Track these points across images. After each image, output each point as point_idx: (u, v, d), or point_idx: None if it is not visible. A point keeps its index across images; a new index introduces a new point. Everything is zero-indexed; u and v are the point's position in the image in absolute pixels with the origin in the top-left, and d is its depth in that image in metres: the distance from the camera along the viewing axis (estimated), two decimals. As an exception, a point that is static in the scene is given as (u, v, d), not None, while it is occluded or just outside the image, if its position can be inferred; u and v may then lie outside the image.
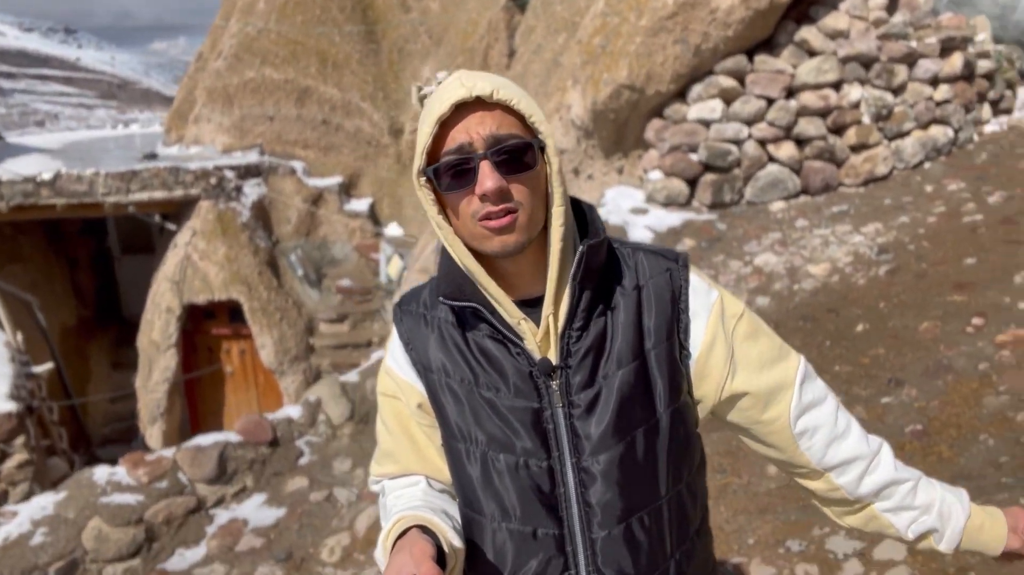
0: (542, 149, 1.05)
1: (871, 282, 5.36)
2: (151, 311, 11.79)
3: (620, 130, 7.14)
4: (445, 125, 1.03)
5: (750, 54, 6.83)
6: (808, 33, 6.78)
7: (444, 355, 1.15)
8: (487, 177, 1.00)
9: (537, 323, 1.09)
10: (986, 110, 7.57)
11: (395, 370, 1.21)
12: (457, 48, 13.65)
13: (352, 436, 4.70)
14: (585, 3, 7.97)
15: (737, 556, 3.27)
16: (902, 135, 7.00)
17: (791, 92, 6.74)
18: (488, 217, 1.01)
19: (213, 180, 11.96)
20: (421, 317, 1.19)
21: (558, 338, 1.07)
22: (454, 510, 1.18)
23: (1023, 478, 3.10)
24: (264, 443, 4.46)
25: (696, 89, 6.80)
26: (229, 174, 12.19)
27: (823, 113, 6.74)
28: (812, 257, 5.81)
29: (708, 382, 1.13)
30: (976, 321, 4.45)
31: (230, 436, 4.40)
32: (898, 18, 7.06)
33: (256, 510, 4.19)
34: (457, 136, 1.02)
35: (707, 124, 6.74)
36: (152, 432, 11.43)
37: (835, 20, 6.83)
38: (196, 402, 12.36)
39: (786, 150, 6.70)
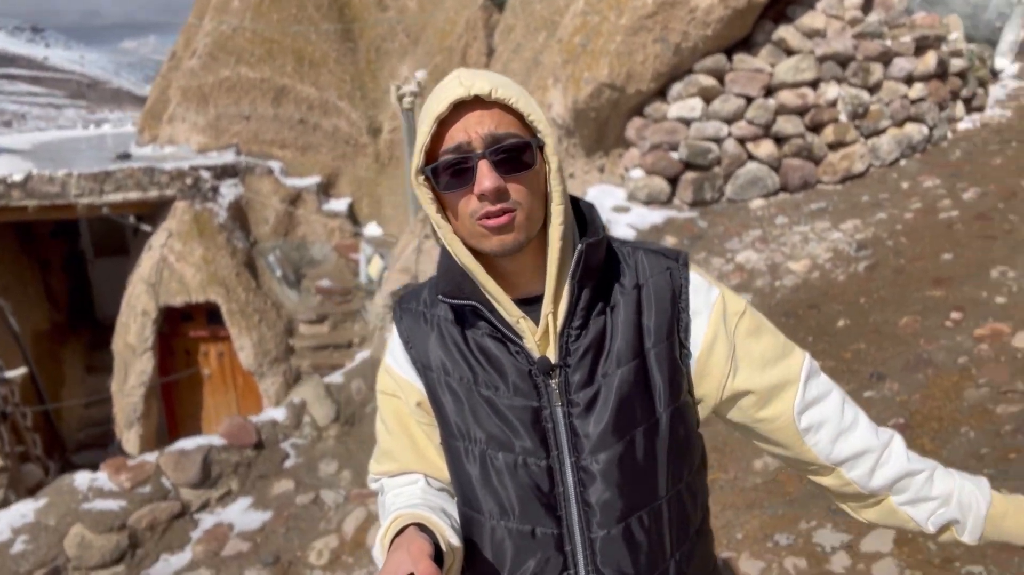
0: (541, 148, 1.04)
1: (851, 278, 5.44)
2: (126, 314, 11.61)
3: (601, 129, 7.16)
4: (444, 124, 1.03)
5: (729, 53, 6.88)
6: (786, 32, 6.85)
7: (443, 353, 1.14)
8: (485, 177, 0.99)
9: (536, 322, 1.08)
10: (959, 108, 7.71)
11: (394, 368, 1.21)
12: (435, 47, 13.61)
13: (338, 438, 4.67)
14: (565, 2, 7.98)
15: (726, 551, 3.30)
16: (878, 133, 7.11)
17: (769, 91, 6.81)
18: (486, 216, 1.01)
19: (189, 180, 11.81)
20: (421, 315, 1.19)
21: (557, 337, 1.07)
22: (453, 509, 1.18)
23: (1004, 470, 3.16)
24: (249, 446, 4.41)
25: (676, 88, 6.84)
26: (205, 174, 12.04)
27: (801, 111, 6.82)
28: (792, 254, 5.88)
29: (709, 381, 1.13)
30: (954, 315, 4.53)
31: (214, 439, 4.35)
32: (873, 17, 7.16)
33: (242, 514, 4.15)
34: (455, 135, 1.02)
35: (687, 123, 6.78)
36: (129, 437, 11.25)
37: (812, 19, 6.91)
38: (173, 406, 12.20)
39: (765, 148, 6.77)
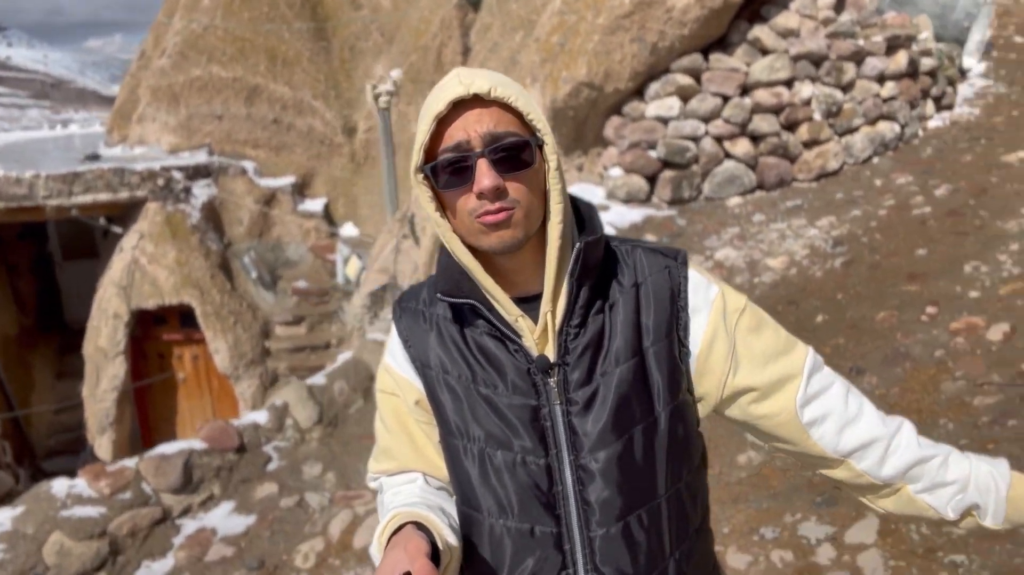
0: (540, 146, 1.04)
1: (828, 274, 5.52)
2: (97, 318, 11.41)
3: (580, 128, 7.19)
4: (443, 122, 1.03)
5: (705, 52, 6.94)
6: (760, 32, 6.92)
7: (442, 352, 1.14)
8: (484, 175, 1.00)
9: (535, 320, 1.08)
10: (929, 106, 7.86)
11: (393, 367, 1.21)
12: (410, 46, 13.55)
13: (321, 440, 4.63)
14: (542, 1, 7.99)
15: (713, 546, 3.33)
16: (851, 131, 7.22)
17: (745, 90, 6.88)
18: (485, 214, 1.01)
19: (160, 181, 11.63)
20: (420, 314, 1.19)
21: (556, 335, 1.07)
22: (451, 507, 1.18)
23: (983, 459, 3.22)
24: (230, 450, 4.36)
25: (654, 87, 6.88)
26: (177, 175, 11.87)
27: (776, 110, 6.90)
28: (770, 251, 5.95)
29: (709, 379, 1.12)
30: (930, 310, 4.62)
31: (195, 443, 4.29)
32: (846, 17, 7.27)
33: (225, 518, 4.10)
34: (455, 134, 1.02)
35: (665, 121, 6.83)
36: (101, 442, 11.05)
37: (786, 19, 6.99)
38: (147, 410, 12.01)
39: (742, 146, 6.84)
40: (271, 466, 4.44)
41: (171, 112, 13.61)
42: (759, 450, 3.91)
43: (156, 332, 11.80)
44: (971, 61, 8.69)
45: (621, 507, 1.07)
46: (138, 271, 11.42)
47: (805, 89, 6.92)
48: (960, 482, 1.09)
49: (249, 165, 13.19)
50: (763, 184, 6.91)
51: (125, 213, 11.77)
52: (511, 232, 1.03)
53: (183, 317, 11.58)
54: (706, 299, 1.12)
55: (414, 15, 14.06)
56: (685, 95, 6.81)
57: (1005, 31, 9.94)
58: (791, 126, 6.97)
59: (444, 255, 1.13)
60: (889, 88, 7.38)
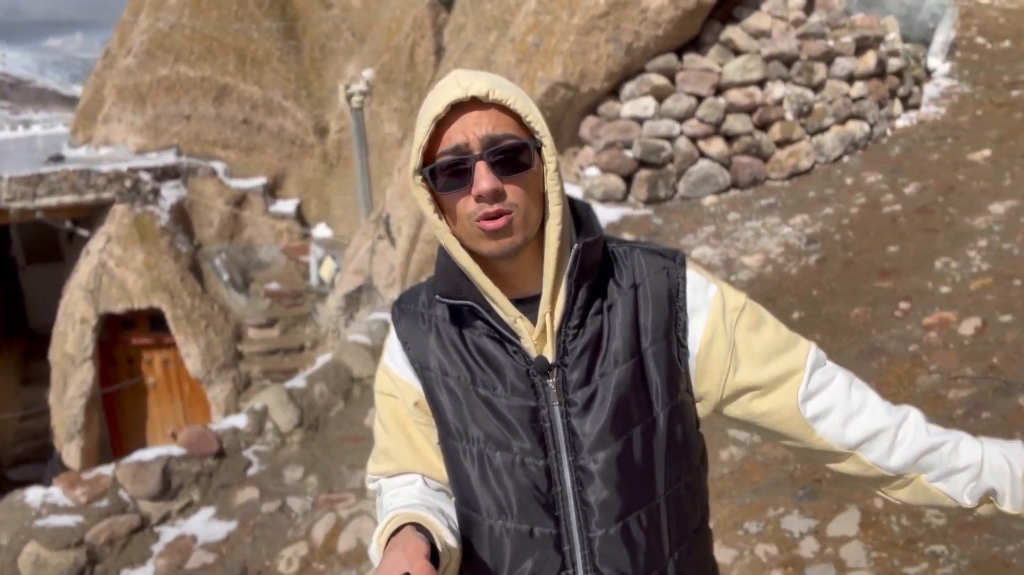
0: (539, 148, 1.05)
1: (803, 271, 5.60)
2: (64, 322, 11.17)
3: (556, 128, 7.21)
4: (441, 124, 1.03)
5: (679, 53, 7.01)
6: (733, 33, 7.01)
7: (441, 354, 1.14)
8: (483, 178, 1.00)
9: (534, 321, 1.09)
10: (897, 106, 8.02)
11: (392, 368, 1.21)
12: (382, 46, 13.47)
13: (302, 443, 4.58)
14: (516, 1, 7.99)
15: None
16: (822, 130, 7.34)
17: (719, 90, 6.96)
18: (484, 218, 1.01)
19: (128, 183, 11.41)
20: (419, 316, 1.19)
21: (554, 336, 1.07)
22: (450, 509, 1.18)
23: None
24: (209, 455, 4.30)
25: (629, 87, 6.93)
26: (145, 176, 11.66)
27: (749, 110, 6.99)
28: (746, 249, 6.02)
29: (710, 378, 1.12)
30: (903, 306, 4.71)
31: (173, 449, 4.22)
32: (815, 18, 7.39)
33: (205, 525, 4.04)
34: (453, 136, 1.02)
35: (640, 121, 6.88)
36: (69, 450, 10.82)
37: (758, 20, 7.08)
38: (116, 417, 11.78)
39: (716, 146, 6.92)
40: (251, 471, 4.38)
41: (138, 112, 13.36)
42: (741, 446, 3.96)
43: (125, 336, 11.59)
44: (936, 61, 8.89)
45: (620, 508, 1.07)
46: (106, 274, 11.20)
47: (777, 89, 7.02)
48: (974, 467, 1.07)
49: (219, 166, 13.01)
50: (737, 183, 6.99)
51: (91, 215, 11.54)
52: (510, 238, 1.03)
53: (153, 321, 11.39)
54: (705, 299, 1.12)
55: (385, 15, 13.98)
56: (660, 95, 6.87)
57: (968, 32, 10.19)
58: (764, 126, 7.06)
59: (443, 257, 1.13)
60: (858, 88, 7.52)
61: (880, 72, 7.70)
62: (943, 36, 8.71)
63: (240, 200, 12.85)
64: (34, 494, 3.78)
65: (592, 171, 6.92)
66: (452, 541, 1.09)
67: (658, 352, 1.09)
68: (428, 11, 12.81)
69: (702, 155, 6.94)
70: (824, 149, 7.29)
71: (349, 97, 10.41)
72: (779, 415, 1.12)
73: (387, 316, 5.38)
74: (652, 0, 6.55)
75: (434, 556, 1.02)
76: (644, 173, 6.85)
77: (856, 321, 4.76)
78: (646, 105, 6.83)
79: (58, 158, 12.52)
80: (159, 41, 13.39)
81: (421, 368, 1.16)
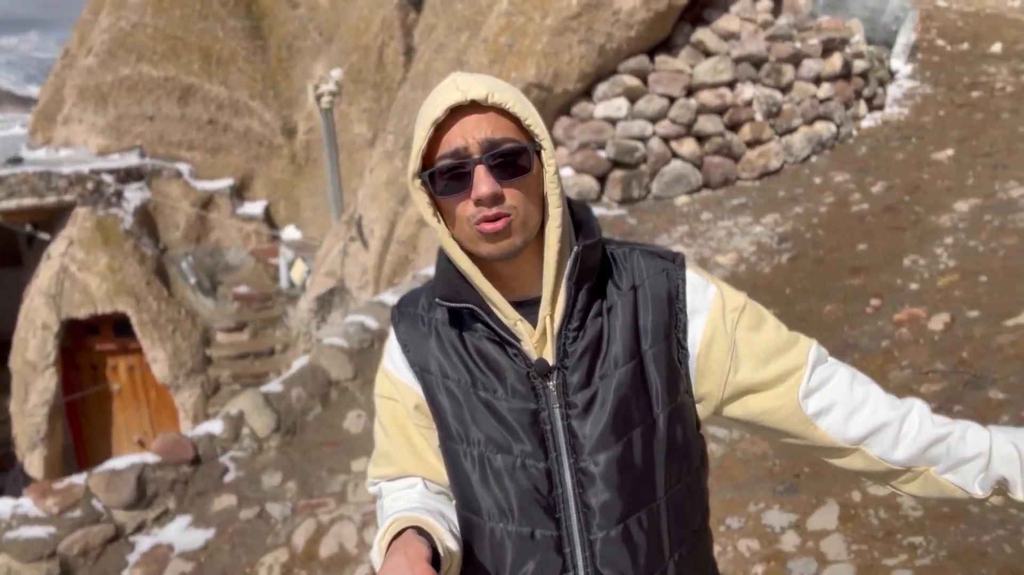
0: (538, 152, 1.05)
1: (775, 270, 5.68)
2: (24, 329, 10.88)
3: (529, 128, 7.21)
4: (440, 128, 1.03)
5: (651, 54, 7.06)
6: (703, 34, 7.09)
7: (442, 356, 1.14)
8: (482, 182, 1.00)
9: (534, 324, 1.09)
10: (862, 106, 8.18)
11: (392, 372, 1.21)
12: (350, 46, 13.36)
13: (280, 448, 4.52)
14: (487, 2, 7.99)
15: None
16: (791, 131, 7.46)
17: (690, 91, 7.03)
18: (483, 221, 1.02)
19: (90, 185, 11.17)
20: (419, 319, 1.18)
21: (554, 339, 1.08)
22: (451, 512, 1.18)
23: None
24: (185, 462, 4.22)
25: (602, 88, 6.96)
26: (108, 178, 11.42)
27: (720, 111, 7.07)
28: (720, 248, 6.09)
29: (710, 379, 1.12)
30: (874, 302, 4.81)
31: (147, 457, 4.13)
32: (783, 20, 7.50)
33: (181, 533, 3.96)
34: (452, 140, 1.02)
35: (613, 122, 6.92)
36: (32, 459, 10.55)
37: (727, 22, 7.17)
38: (80, 424, 11.51)
39: (688, 146, 6.99)
40: (228, 477, 4.31)
41: (99, 113, 13.08)
42: (720, 443, 4.00)
43: (88, 342, 11.33)
44: (899, 63, 9.09)
45: (621, 510, 1.08)
46: (68, 279, 10.94)
47: (747, 90, 7.12)
48: (982, 456, 1.05)
49: (184, 167, 12.80)
50: (709, 183, 7.07)
51: (52, 219, 11.27)
52: (509, 240, 1.03)
53: (117, 326, 11.17)
54: (704, 300, 1.13)
55: (353, 14, 13.87)
56: (632, 96, 6.92)
57: (928, 34, 10.45)
58: (734, 126, 7.15)
59: (442, 260, 1.13)
60: (825, 89, 7.66)
61: (846, 74, 7.85)
62: (905, 38, 8.92)
63: (206, 202, 12.65)
64: (3, 505, 3.67)
65: (566, 171, 6.94)
66: (453, 544, 1.10)
67: (658, 354, 1.10)
68: (397, 11, 12.75)
69: (675, 155, 7.00)
70: (793, 149, 7.41)
71: (318, 97, 10.32)
72: (781, 413, 1.12)
73: (364, 318, 5.33)
74: (624, 2, 6.59)
75: (435, 560, 1.02)
76: (618, 173, 6.90)
77: (829, 318, 4.85)
78: (619, 106, 6.88)
79: (16, 160, 12.20)
80: (121, 40, 13.12)
81: (421, 371, 1.16)
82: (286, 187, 13.62)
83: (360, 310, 5.44)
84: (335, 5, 14.47)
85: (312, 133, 13.53)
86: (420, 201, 1.08)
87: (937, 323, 4.34)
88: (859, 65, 8.01)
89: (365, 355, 5.14)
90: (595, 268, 1.10)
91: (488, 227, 1.01)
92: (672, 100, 6.93)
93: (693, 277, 1.14)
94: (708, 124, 7.00)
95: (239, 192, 13.29)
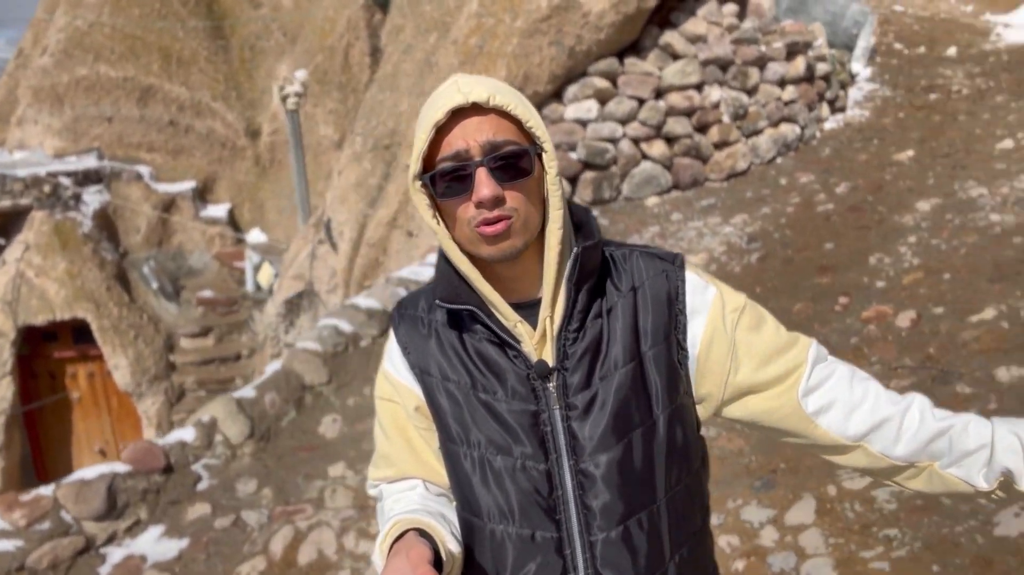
0: (539, 154, 1.05)
1: (745, 269, 5.77)
2: (-21, 336, 10.54)
3: (500, 130, 7.22)
4: (441, 130, 1.03)
5: (620, 56, 7.12)
6: (671, 37, 7.17)
7: (442, 358, 1.14)
8: (483, 185, 1.00)
9: (534, 326, 1.09)
10: (825, 108, 8.36)
11: (392, 374, 1.20)
12: (315, 46, 13.23)
13: (254, 455, 4.45)
14: (456, 3, 7.97)
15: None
16: (757, 133, 7.58)
17: (659, 93, 7.11)
18: (484, 223, 1.02)
19: (47, 188, 10.87)
20: (419, 320, 1.18)
21: (554, 340, 1.08)
22: (452, 514, 1.18)
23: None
24: (156, 470, 4.13)
25: (572, 90, 7.00)
26: (65, 181, 11.13)
27: (688, 113, 7.16)
28: (690, 248, 6.16)
29: (711, 379, 1.13)
30: (842, 300, 4.91)
31: (117, 466, 4.03)
32: (748, 24, 7.63)
33: (154, 544, 3.87)
34: (453, 142, 1.02)
35: (584, 124, 6.96)
36: (-12, 471, 10.22)
37: (694, 26, 7.27)
38: (38, 435, 11.19)
39: (658, 148, 7.06)
40: (201, 485, 4.23)
41: (55, 114, 12.74)
42: (698, 441, 4.05)
43: (47, 350, 11.02)
44: (859, 66, 9.31)
45: (621, 511, 1.08)
46: (24, 285, 10.63)
47: (714, 93, 7.22)
48: (985, 448, 1.04)
49: (144, 170, 12.54)
50: (678, 184, 7.16)
51: (7, 223, 10.94)
52: (510, 242, 1.03)
53: (77, 333, 10.89)
54: (704, 300, 1.13)
55: (317, 14, 13.73)
56: (602, 98, 6.97)
57: (886, 38, 10.72)
58: (702, 128, 7.25)
59: (442, 261, 1.13)
60: (789, 92, 7.80)
61: (809, 76, 8.02)
62: (864, 42, 9.14)
63: (168, 205, 12.41)
64: (-33, 520, 3.56)
65: (537, 173, 6.96)
66: (455, 546, 1.10)
67: (658, 355, 1.10)
68: (363, 12, 12.66)
69: (644, 157, 7.07)
70: (759, 151, 7.54)
71: (284, 98, 10.19)
72: (781, 412, 1.12)
73: (337, 322, 5.28)
74: (594, 4, 6.63)
75: (437, 562, 1.02)
76: (589, 175, 6.94)
77: (799, 316, 4.94)
78: (589, 108, 6.92)
79: (-32, 162, 11.81)
80: (77, 40, 12.81)
81: (421, 373, 1.16)
82: (250, 189, 13.43)
83: (333, 313, 5.38)
84: (299, 5, 14.31)
85: (277, 135, 13.36)
86: (420, 203, 1.07)
87: (904, 320, 4.45)
88: (822, 68, 8.18)
89: (339, 359, 5.09)
90: (595, 270, 1.10)
91: (488, 229, 1.01)
92: (641, 102, 7.00)
93: (693, 278, 1.14)
94: (677, 126, 7.09)
95: (202, 195, 13.06)
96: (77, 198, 11.38)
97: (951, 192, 6.03)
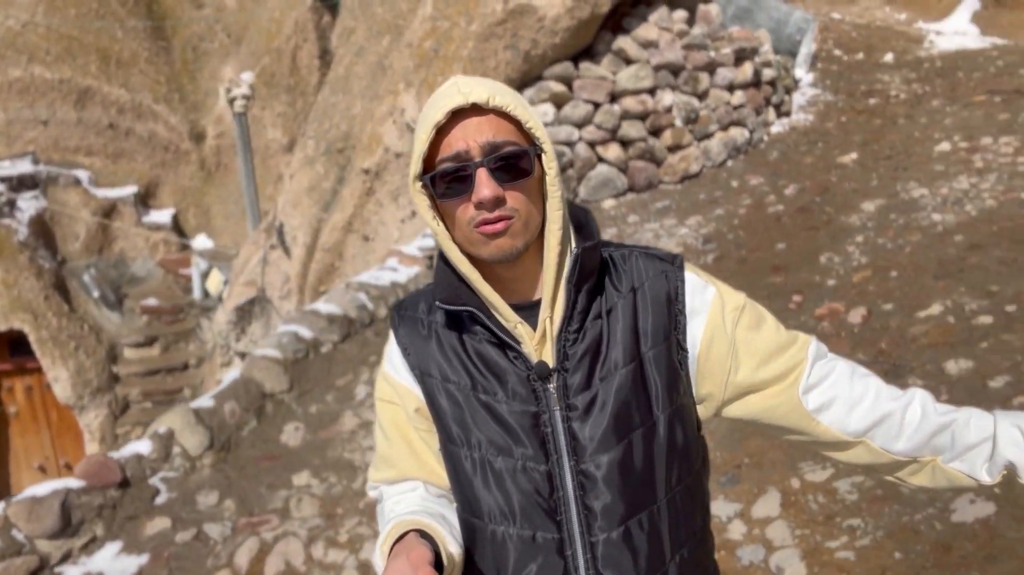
0: (538, 155, 1.06)
1: (701, 269, 5.88)
2: (-94, 350, 10.02)
3: (456, 133, 7.21)
4: (441, 131, 1.03)
5: (575, 61, 7.19)
6: (624, 42, 7.27)
7: (442, 359, 1.14)
8: (483, 185, 1.00)
9: (533, 327, 1.09)
10: (771, 113, 8.59)
11: (392, 375, 1.20)
12: (261, 48, 12.99)
13: (214, 466, 4.33)
14: (408, 6, 7.93)
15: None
16: (708, 136, 7.75)
17: (614, 97, 7.20)
18: (484, 223, 1.02)
19: (-22, 194, 10.41)
20: (419, 322, 1.18)
21: (554, 341, 1.08)
22: (452, 515, 1.18)
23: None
24: (112, 485, 3.98)
25: (528, 93, 7.04)
26: (-2, 186, 10.67)
27: (642, 116, 7.27)
28: (647, 249, 6.26)
29: (711, 379, 1.13)
30: (796, 298, 5.05)
31: (71, 482, 3.87)
32: (697, 30, 7.79)
33: (112, 561, 3.73)
34: (454, 143, 1.02)
35: (540, 127, 7.00)
36: (-83, 492, 9.71)
37: (646, 31, 7.39)
38: (-29, 451, 10.68)
39: (613, 151, 7.15)
40: (160, 499, 4.10)
41: (-14, 117, 12.20)
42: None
43: (-20, 363, 10.54)
44: (801, 72, 9.61)
45: (622, 512, 1.09)
46: (-45, 295, 10.14)
47: (666, 97, 7.35)
48: (987, 441, 1.06)
49: (83, 174, 12.11)
50: (634, 187, 7.26)
51: (-64, 231, 10.42)
52: (510, 242, 1.03)
53: (13, 344, 10.45)
54: (703, 300, 1.14)
55: (263, 16, 13.48)
56: (558, 102, 7.03)
57: (826, 45, 11.08)
58: (656, 132, 7.37)
59: (442, 263, 1.13)
60: (738, 96, 8.00)
61: (756, 82, 8.23)
62: (807, 48, 9.43)
63: (109, 211, 12.02)
64: (-90, 543, 3.37)
65: (495, 176, 6.98)
66: (455, 548, 1.10)
67: (658, 356, 1.11)
68: (311, 14, 12.49)
69: (600, 160, 7.15)
70: (711, 154, 7.70)
71: (231, 101, 9.97)
72: (782, 409, 1.13)
73: (297, 328, 5.18)
74: (549, 9, 6.69)
75: (438, 563, 1.03)
76: (545, 178, 6.98)
77: (755, 315, 5.06)
78: (545, 111, 6.97)
79: None
80: (10, 41, 12.29)
81: (422, 374, 1.16)
82: (195, 194, 13.10)
83: (293, 319, 5.29)
84: (243, 6, 14.02)
85: (222, 138, 13.06)
86: (421, 204, 1.07)
87: (855, 316, 4.61)
88: (768, 73, 8.41)
89: (300, 366, 5.00)
90: (594, 270, 1.11)
91: (489, 228, 1.02)
92: (597, 106, 7.08)
93: (692, 278, 1.15)
94: (631, 130, 7.19)
95: (144, 200, 12.68)
96: (11, 204, 10.93)
97: (894, 193, 6.26)
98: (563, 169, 7.04)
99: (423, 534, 1.07)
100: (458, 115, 1.02)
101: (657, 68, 7.34)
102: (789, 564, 3.05)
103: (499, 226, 1.02)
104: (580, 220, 1.14)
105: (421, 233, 6.60)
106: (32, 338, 10.07)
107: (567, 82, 7.08)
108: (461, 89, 1.03)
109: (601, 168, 7.14)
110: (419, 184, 1.06)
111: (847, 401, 1.12)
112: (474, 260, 1.07)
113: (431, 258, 6.11)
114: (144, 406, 10.54)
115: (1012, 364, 3.65)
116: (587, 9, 6.78)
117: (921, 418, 1.10)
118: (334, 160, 7.94)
